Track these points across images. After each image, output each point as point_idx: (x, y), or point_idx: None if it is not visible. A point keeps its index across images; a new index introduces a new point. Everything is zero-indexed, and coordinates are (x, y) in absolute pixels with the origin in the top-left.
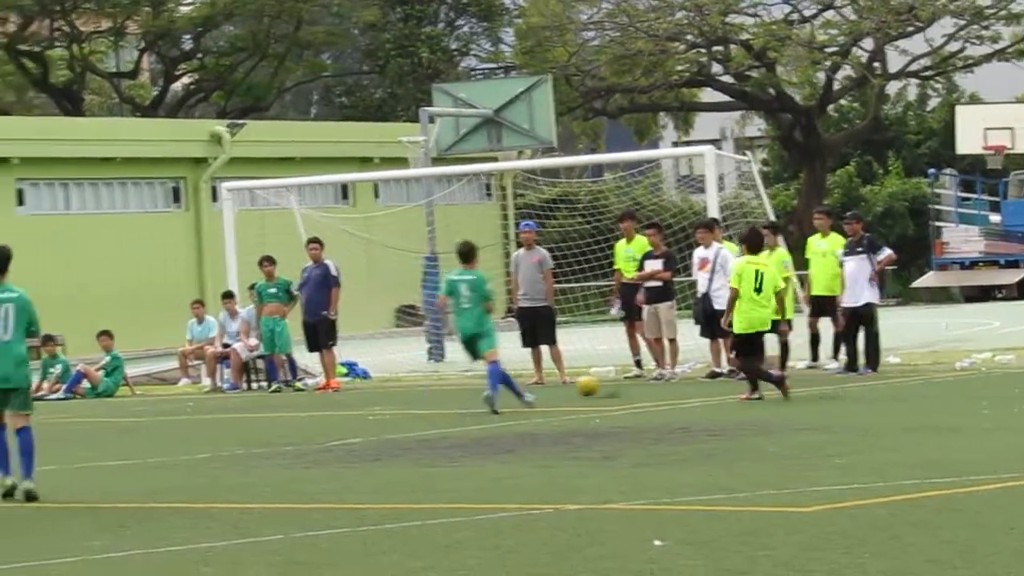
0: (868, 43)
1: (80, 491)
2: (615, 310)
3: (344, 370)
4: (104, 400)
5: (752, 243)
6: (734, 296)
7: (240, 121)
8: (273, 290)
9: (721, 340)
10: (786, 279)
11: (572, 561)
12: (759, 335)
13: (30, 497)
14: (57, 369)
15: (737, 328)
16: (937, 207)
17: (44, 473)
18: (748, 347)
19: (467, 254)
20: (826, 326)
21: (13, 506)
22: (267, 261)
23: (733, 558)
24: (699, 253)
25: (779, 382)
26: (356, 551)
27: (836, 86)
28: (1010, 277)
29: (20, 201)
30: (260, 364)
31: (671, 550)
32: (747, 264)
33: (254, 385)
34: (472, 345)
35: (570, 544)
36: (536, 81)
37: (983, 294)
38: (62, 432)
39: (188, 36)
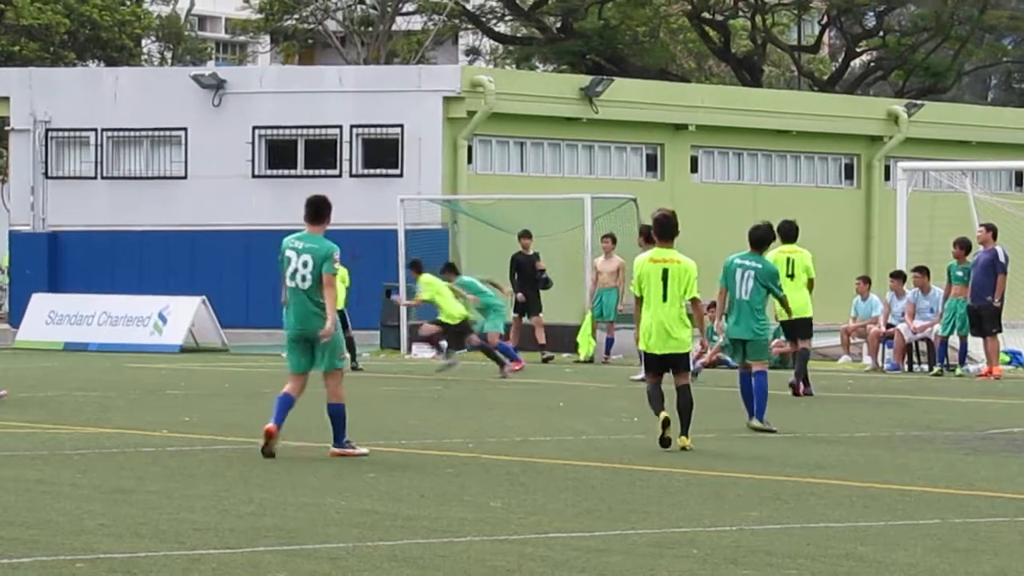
0: None
1: (739, 461)
2: None
3: (1007, 358)
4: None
5: None
6: None
7: (918, 101)
8: (960, 273)
9: None
10: None
11: None
12: None
13: (756, 430)
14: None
15: None
16: None
17: (703, 439)
18: None
19: None
20: None
21: (673, 472)
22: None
23: None
24: None
25: None
26: (1014, 541)
27: None
28: None
29: (694, 168)
30: (923, 347)
31: None
32: None
33: (915, 367)
34: None
35: None
36: None
37: None
38: (716, 400)
39: (872, 13)
